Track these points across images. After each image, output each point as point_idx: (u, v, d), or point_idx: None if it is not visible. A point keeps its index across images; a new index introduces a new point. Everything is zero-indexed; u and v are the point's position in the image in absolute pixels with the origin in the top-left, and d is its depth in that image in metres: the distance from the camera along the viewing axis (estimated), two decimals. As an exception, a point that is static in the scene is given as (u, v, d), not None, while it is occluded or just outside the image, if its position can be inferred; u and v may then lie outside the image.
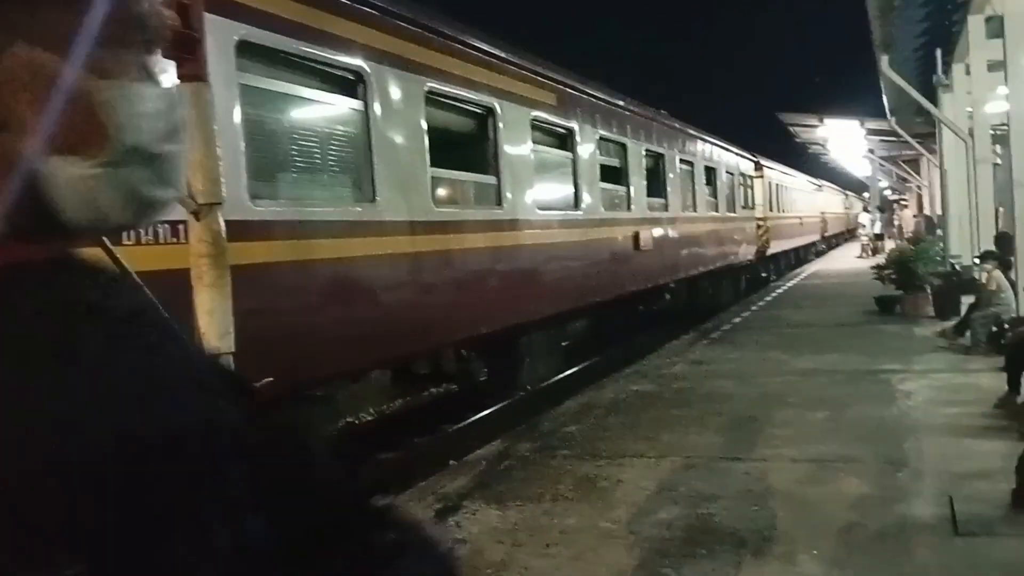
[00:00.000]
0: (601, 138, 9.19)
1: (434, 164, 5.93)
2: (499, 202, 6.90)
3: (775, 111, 23.81)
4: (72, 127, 0.54)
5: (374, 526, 0.62)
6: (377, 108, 5.29)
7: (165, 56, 2.47)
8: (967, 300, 9.58)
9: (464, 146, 6.79)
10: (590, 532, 4.11)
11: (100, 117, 0.55)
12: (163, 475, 0.43)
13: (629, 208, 9.98)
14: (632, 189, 10.08)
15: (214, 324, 2.66)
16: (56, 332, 0.45)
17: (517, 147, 7.21)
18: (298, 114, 4.91)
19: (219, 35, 3.83)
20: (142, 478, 0.42)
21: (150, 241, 3.48)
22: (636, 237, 9.92)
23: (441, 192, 6.28)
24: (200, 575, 0.42)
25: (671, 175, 11.92)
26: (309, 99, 4.90)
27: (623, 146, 9.96)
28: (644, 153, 10.70)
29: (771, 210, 20.62)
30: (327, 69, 4.96)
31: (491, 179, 6.88)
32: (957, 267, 12.08)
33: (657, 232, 10.82)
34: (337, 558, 0.54)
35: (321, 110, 5.05)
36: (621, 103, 10.09)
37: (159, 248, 3.49)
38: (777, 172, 22.75)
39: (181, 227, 3.49)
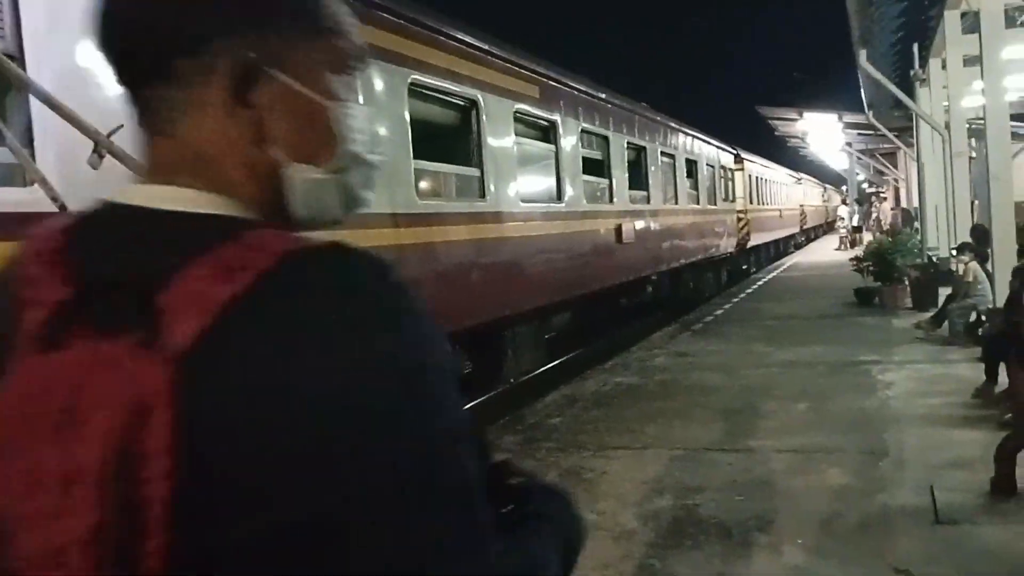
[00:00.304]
0: (583, 131, 9.18)
1: (417, 156, 5.90)
2: (482, 194, 6.88)
3: (755, 105, 23.94)
4: (312, 140, 0.69)
5: (504, 473, 0.77)
6: (359, 99, 5.24)
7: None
8: (944, 292, 9.69)
9: (447, 138, 6.75)
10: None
11: (332, 132, 0.70)
12: (455, 369, 0.64)
13: (611, 200, 9.99)
14: (614, 182, 10.09)
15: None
16: (395, 289, 0.62)
17: (500, 139, 7.19)
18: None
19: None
20: (454, 369, 0.64)
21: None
22: (618, 229, 9.93)
23: (424, 184, 6.24)
24: (468, 428, 0.63)
25: (653, 168, 11.94)
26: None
27: (605, 139, 9.97)
28: (626, 146, 10.71)
29: (751, 203, 20.74)
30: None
31: (474, 171, 6.85)
32: (934, 259, 12.22)
33: (639, 225, 10.84)
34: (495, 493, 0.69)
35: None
36: (603, 96, 10.08)
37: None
38: (757, 165, 22.87)
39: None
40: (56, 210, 2.34)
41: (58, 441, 0.55)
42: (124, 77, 0.68)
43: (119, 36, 0.67)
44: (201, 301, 0.56)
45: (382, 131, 5.49)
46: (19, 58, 3.06)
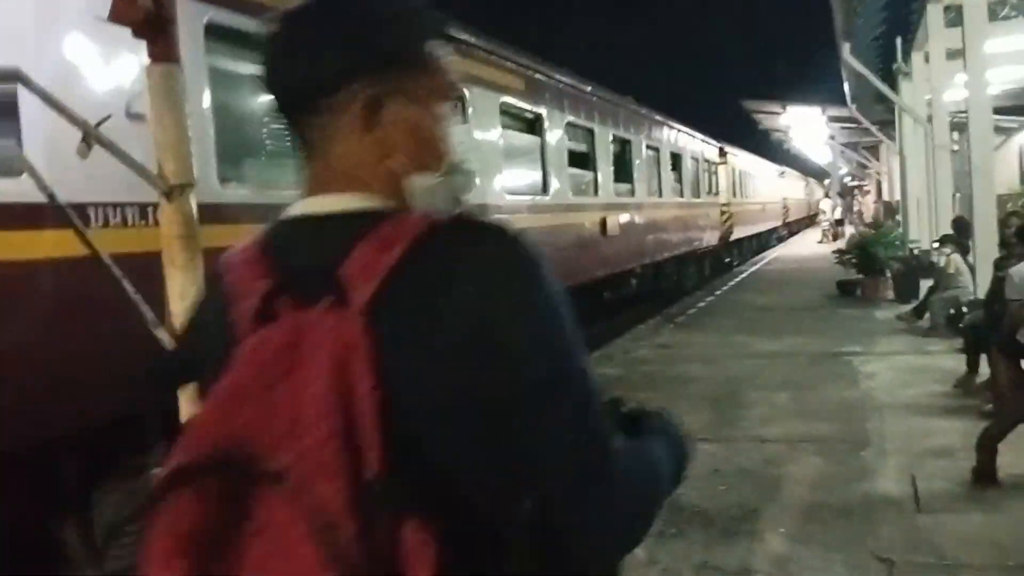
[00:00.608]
0: (569, 124, 9.20)
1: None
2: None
3: (739, 98, 24.04)
4: (425, 153, 0.88)
5: (620, 404, 0.96)
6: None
7: (136, 36, 2.42)
8: (926, 284, 9.81)
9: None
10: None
11: (440, 146, 0.90)
12: (569, 308, 0.82)
13: (596, 193, 10.02)
14: (599, 175, 10.12)
15: (186, 307, 2.62)
16: (513, 242, 0.81)
17: (486, 132, 7.19)
18: (267, 97, 4.83)
19: (188, 17, 3.76)
20: (569, 307, 0.82)
21: (118, 224, 3.42)
22: (603, 222, 9.96)
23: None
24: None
25: (637, 161, 11.98)
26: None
27: (591, 132, 9.99)
28: (611, 139, 10.74)
29: (735, 196, 20.85)
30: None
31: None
32: (916, 251, 12.34)
33: (624, 218, 10.88)
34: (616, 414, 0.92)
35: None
36: (588, 89, 10.10)
37: (129, 231, 3.44)
38: (741, 159, 22.99)
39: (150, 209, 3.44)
40: (45, 200, 2.33)
41: (288, 383, 0.73)
42: (284, 110, 0.91)
43: (279, 81, 0.89)
44: (371, 268, 0.76)
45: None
46: (6, 46, 3.03)
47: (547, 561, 0.79)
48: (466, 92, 6.81)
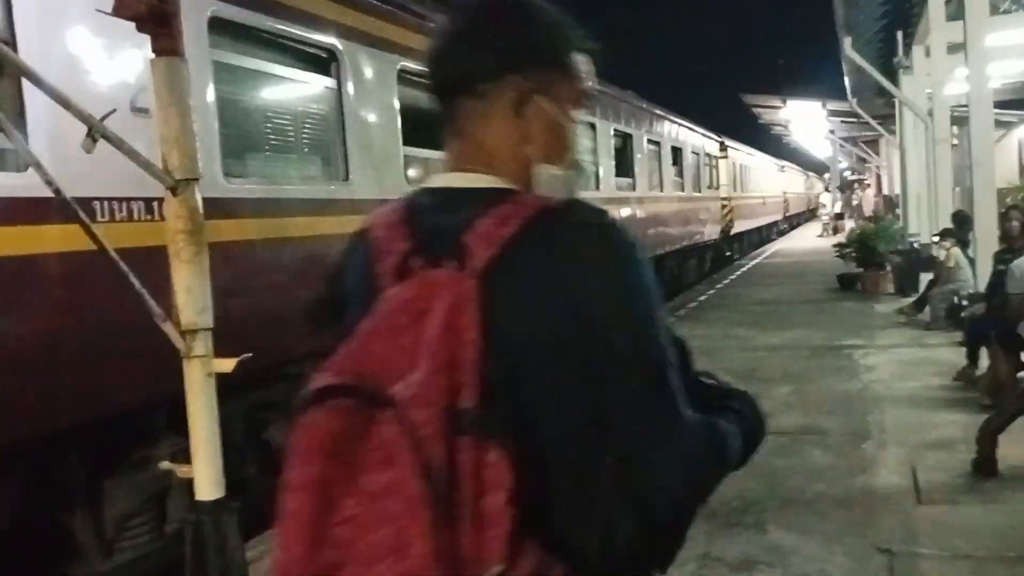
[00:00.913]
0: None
1: (407, 143, 5.88)
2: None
3: (739, 92, 23.98)
4: (556, 148, 1.01)
5: (707, 375, 1.07)
6: (350, 86, 5.21)
7: (140, 30, 2.41)
8: (926, 277, 9.78)
9: (436, 125, 6.71)
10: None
11: (567, 144, 1.03)
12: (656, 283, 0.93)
13: (597, 187, 9.99)
14: (601, 169, 10.10)
15: (192, 300, 2.61)
16: (615, 226, 0.94)
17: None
18: (270, 92, 4.82)
19: (192, 11, 3.75)
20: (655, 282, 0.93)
21: (124, 219, 3.42)
22: (605, 216, 9.93)
23: (414, 171, 6.23)
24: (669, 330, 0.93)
25: (639, 155, 11.95)
26: (281, 76, 4.82)
27: (591, 126, 9.96)
28: (612, 133, 10.71)
29: (735, 190, 20.81)
30: (299, 47, 4.87)
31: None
32: (916, 245, 12.31)
33: (625, 211, 10.86)
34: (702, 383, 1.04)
35: (293, 88, 4.97)
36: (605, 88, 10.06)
37: (135, 225, 3.43)
38: (741, 153, 22.94)
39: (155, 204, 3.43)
40: (51, 194, 2.33)
41: (414, 328, 0.87)
42: (440, 89, 1.03)
43: (445, 61, 1.02)
44: (489, 239, 0.90)
45: (372, 118, 5.47)
46: (11, 42, 3.02)
47: (626, 509, 0.90)
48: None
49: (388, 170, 5.64)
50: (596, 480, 0.90)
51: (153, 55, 2.46)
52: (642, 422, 0.89)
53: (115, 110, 2.37)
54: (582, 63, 1.04)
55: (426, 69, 1.03)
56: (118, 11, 2.25)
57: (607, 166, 10.34)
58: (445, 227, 0.92)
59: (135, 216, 3.47)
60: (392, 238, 0.98)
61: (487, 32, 0.99)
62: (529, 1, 1.02)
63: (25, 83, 2.76)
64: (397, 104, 5.75)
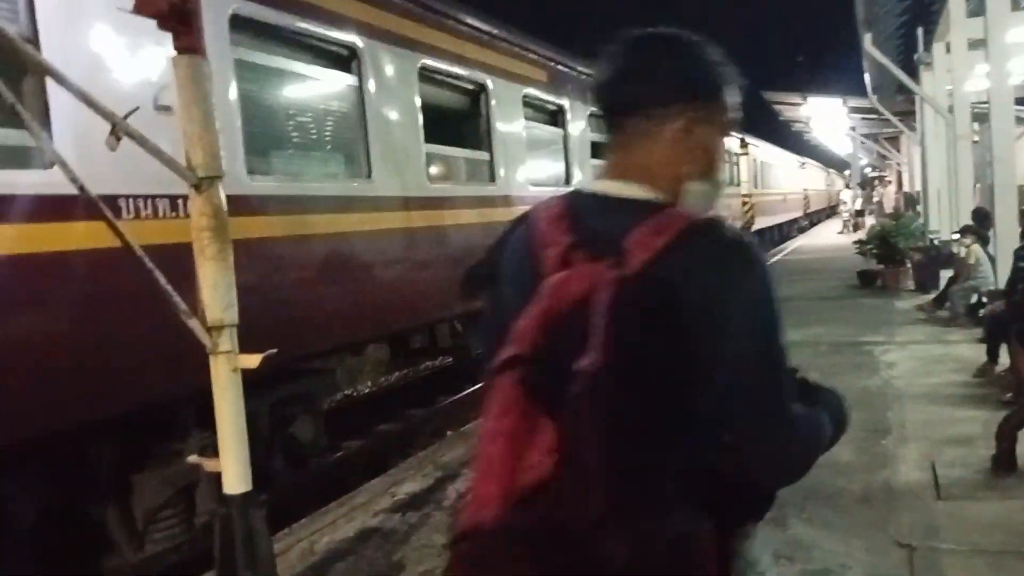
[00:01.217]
0: (592, 114, 9.12)
1: (428, 140, 5.87)
2: (492, 178, 6.85)
3: (760, 89, 23.74)
4: (705, 169, 1.17)
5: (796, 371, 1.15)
6: (371, 84, 5.21)
7: (161, 28, 2.40)
8: (946, 274, 9.63)
9: (457, 122, 6.72)
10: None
11: (714, 166, 1.18)
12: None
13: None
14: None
15: (217, 297, 2.61)
16: (752, 242, 1.08)
17: (509, 123, 7.15)
18: (292, 90, 4.83)
19: (213, 9, 3.77)
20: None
21: (149, 216, 3.43)
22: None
23: (435, 168, 6.22)
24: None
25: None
26: (303, 74, 4.82)
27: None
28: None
29: (756, 187, 20.63)
30: (320, 44, 4.88)
31: (484, 155, 6.82)
32: (936, 242, 12.12)
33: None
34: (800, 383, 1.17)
35: (316, 86, 4.97)
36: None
37: (161, 222, 3.45)
38: (762, 150, 22.73)
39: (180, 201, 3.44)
40: (75, 191, 2.34)
41: (581, 311, 1.01)
42: (613, 109, 1.18)
43: (622, 87, 1.16)
44: (645, 244, 1.03)
45: (393, 115, 5.46)
46: (34, 41, 3.04)
47: (737, 479, 1.08)
48: (489, 84, 6.77)
49: (410, 167, 5.64)
50: (720, 448, 1.06)
51: (175, 53, 2.46)
52: (758, 414, 1.07)
53: (138, 108, 2.38)
54: (732, 96, 1.19)
55: (598, 89, 1.19)
56: (139, 9, 2.25)
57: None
58: (605, 229, 1.07)
59: (160, 213, 3.49)
60: (554, 231, 1.12)
61: (664, 67, 1.15)
62: (697, 41, 1.17)
63: (50, 81, 2.77)
64: (418, 101, 5.74)
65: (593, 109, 9.12)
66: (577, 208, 1.15)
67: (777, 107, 25.05)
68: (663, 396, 1.00)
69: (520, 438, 0.99)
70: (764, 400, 1.06)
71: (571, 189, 1.20)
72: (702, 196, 1.16)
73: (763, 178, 22.48)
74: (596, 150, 9.27)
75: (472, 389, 7.62)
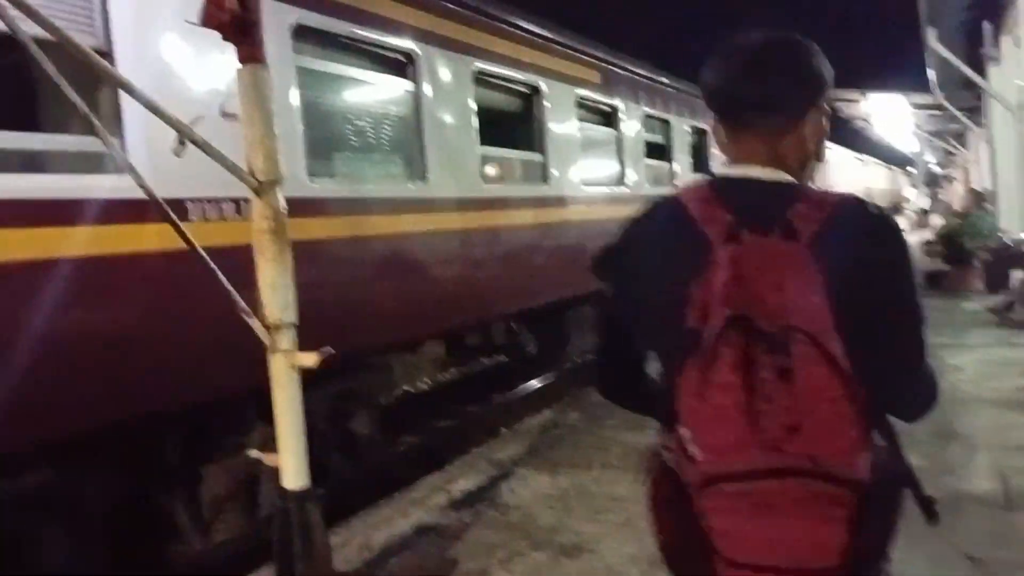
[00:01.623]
0: (646, 115, 9.03)
1: (483, 142, 5.89)
2: (545, 179, 6.84)
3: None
4: (819, 150, 1.35)
5: None
6: (428, 88, 5.25)
7: (225, 39, 2.45)
8: (1017, 274, 9.24)
9: (511, 124, 6.72)
10: (638, 500, 4.01)
11: (822, 149, 1.36)
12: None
13: (674, 184, 9.81)
14: (676, 165, 9.91)
15: (276, 297, 2.67)
16: (895, 221, 1.28)
17: (562, 125, 7.12)
18: (352, 95, 4.89)
19: (276, 19, 3.84)
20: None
21: (216, 218, 3.52)
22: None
23: (490, 170, 6.24)
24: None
25: (715, 151, 11.66)
26: (362, 80, 4.89)
27: (667, 122, 9.78)
28: (688, 130, 10.50)
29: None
30: (378, 51, 4.93)
31: (537, 156, 6.81)
32: (1007, 241, 11.66)
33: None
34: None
35: (374, 91, 5.03)
36: (665, 81, 9.89)
37: (223, 225, 3.53)
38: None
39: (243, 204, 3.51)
40: (144, 196, 2.41)
41: (766, 278, 1.18)
42: (748, 103, 1.31)
43: (765, 86, 1.30)
44: (810, 217, 1.20)
45: (449, 119, 5.49)
46: (108, 52, 3.15)
47: (900, 406, 1.31)
48: (543, 86, 6.75)
49: (465, 169, 5.67)
50: (885, 385, 1.26)
51: (238, 63, 2.51)
52: (908, 353, 1.28)
53: (203, 116, 2.44)
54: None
55: (726, 91, 1.32)
56: (205, 21, 2.30)
57: (683, 162, 10.15)
58: (763, 205, 1.23)
59: (226, 216, 3.57)
60: (712, 209, 1.25)
61: (802, 73, 1.32)
62: (818, 48, 1.34)
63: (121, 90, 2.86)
64: (473, 104, 5.76)
65: (647, 109, 9.05)
66: (726, 191, 1.29)
67: (836, 104, 24.41)
68: (860, 346, 1.17)
69: (754, 389, 1.15)
70: (916, 346, 1.27)
71: (706, 176, 1.33)
72: (813, 173, 1.36)
73: (822, 176, 21.90)
74: (651, 150, 9.17)
75: (526, 387, 7.62)
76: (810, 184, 1.32)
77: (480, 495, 4.37)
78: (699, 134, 11.10)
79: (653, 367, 1.41)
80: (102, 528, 3.46)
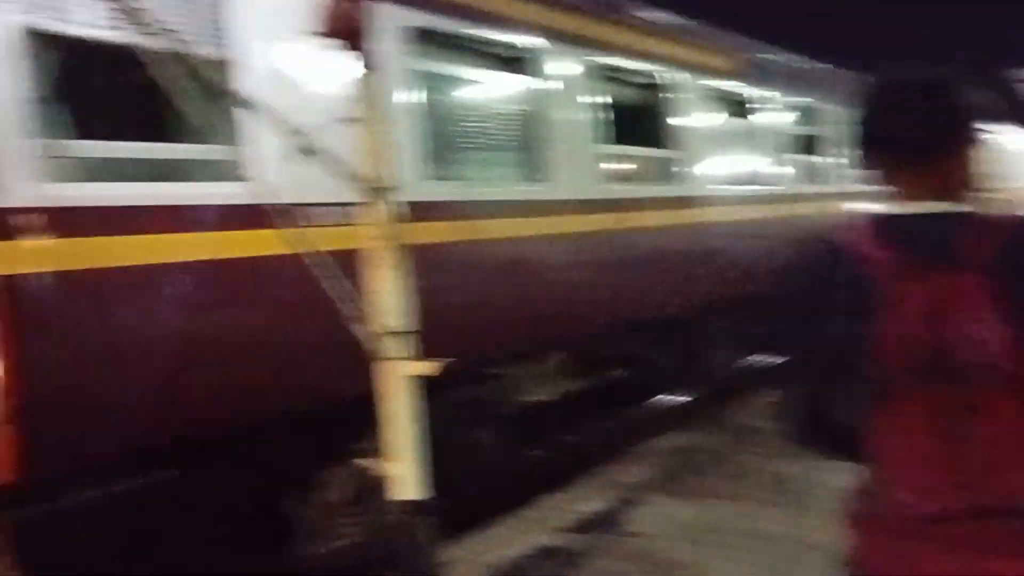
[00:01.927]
0: (788, 106, 8.69)
1: (607, 140, 5.87)
2: (676, 178, 6.71)
3: (994, 67, 21.49)
4: (975, 179, 1.43)
5: None
6: (548, 86, 5.31)
7: (342, 48, 2.62)
8: None
9: (638, 120, 6.64)
10: (781, 538, 3.88)
11: (972, 178, 1.43)
12: None
13: (828, 181, 9.33)
14: (830, 160, 9.43)
15: (392, 304, 2.79)
16: None
17: (692, 119, 6.96)
18: (470, 96, 5.02)
19: (392, 24, 4.03)
20: None
21: (336, 223, 3.72)
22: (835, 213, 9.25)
23: (615, 169, 6.20)
24: None
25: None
26: (480, 81, 5.01)
27: (817, 111, 9.36)
28: (838, 118, 10.00)
29: (998, 183, 18.60)
30: (496, 50, 5.03)
31: (667, 153, 6.69)
32: None
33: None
34: None
35: (493, 91, 5.14)
36: (816, 66, 9.46)
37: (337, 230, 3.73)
38: (1005, 137, 20.51)
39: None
40: (264, 202, 2.60)
41: (953, 314, 1.28)
42: (913, 144, 1.43)
43: (927, 133, 1.42)
44: (984, 244, 1.31)
45: (571, 117, 5.52)
46: (229, 64, 3.40)
47: None
48: (670, 78, 6.65)
49: (585, 169, 5.66)
50: None
51: (356, 70, 2.67)
52: None
53: (321, 123, 2.61)
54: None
55: (888, 136, 1.44)
56: (324, 31, 2.47)
57: (837, 155, 9.69)
58: (931, 240, 1.36)
59: (339, 220, 3.76)
60: (872, 249, 1.39)
61: (960, 119, 1.44)
62: (960, 79, 1.45)
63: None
64: (596, 101, 5.76)
65: (793, 99, 8.70)
66: (894, 228, 1.42)
67: (1019, 85, 22.59)
68: None
69: (946, 429, 1.27)
70: None
71: (871, 214, 1.46)
72: (979, 202, 1.44)
73: (1009, 170, 20.24)
74: (797, 145, 8.83)
75: (656, 404, 7.51)
76: (981, 210, 1.41)
77: (603, 520, 4.32)
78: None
79: (841, 408, 1.49)
80: (225, 529, 3.71)
